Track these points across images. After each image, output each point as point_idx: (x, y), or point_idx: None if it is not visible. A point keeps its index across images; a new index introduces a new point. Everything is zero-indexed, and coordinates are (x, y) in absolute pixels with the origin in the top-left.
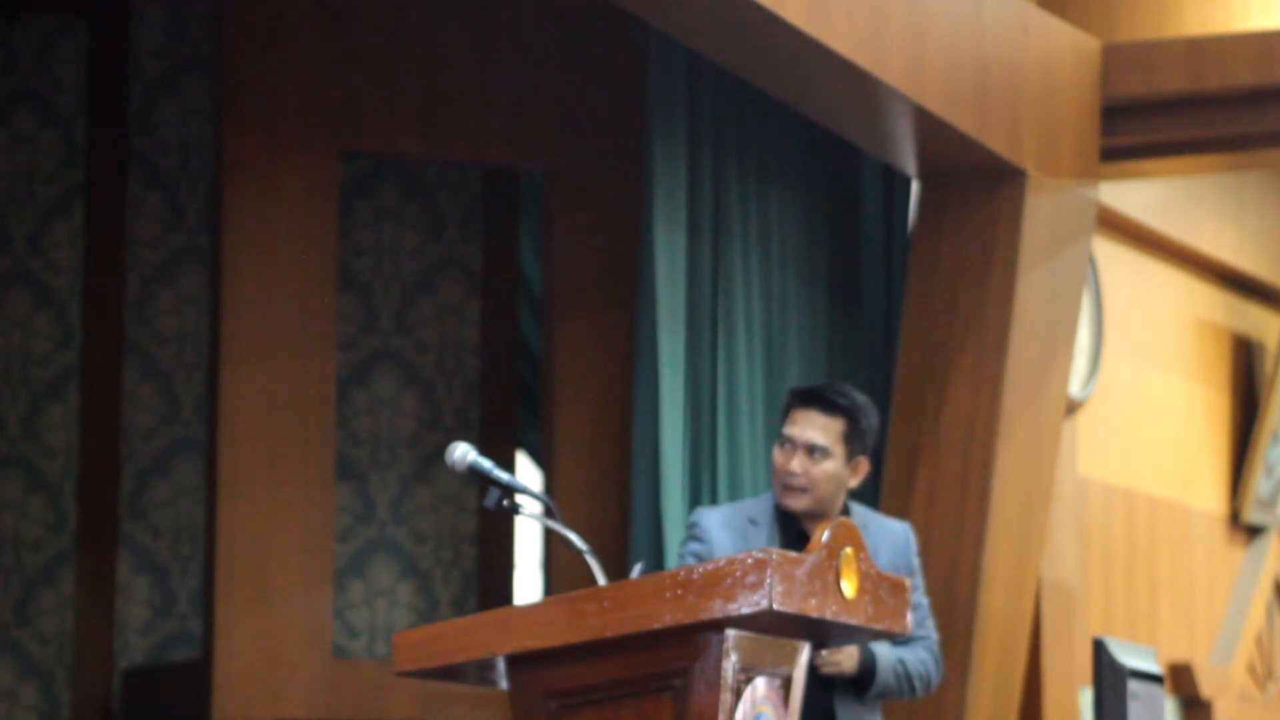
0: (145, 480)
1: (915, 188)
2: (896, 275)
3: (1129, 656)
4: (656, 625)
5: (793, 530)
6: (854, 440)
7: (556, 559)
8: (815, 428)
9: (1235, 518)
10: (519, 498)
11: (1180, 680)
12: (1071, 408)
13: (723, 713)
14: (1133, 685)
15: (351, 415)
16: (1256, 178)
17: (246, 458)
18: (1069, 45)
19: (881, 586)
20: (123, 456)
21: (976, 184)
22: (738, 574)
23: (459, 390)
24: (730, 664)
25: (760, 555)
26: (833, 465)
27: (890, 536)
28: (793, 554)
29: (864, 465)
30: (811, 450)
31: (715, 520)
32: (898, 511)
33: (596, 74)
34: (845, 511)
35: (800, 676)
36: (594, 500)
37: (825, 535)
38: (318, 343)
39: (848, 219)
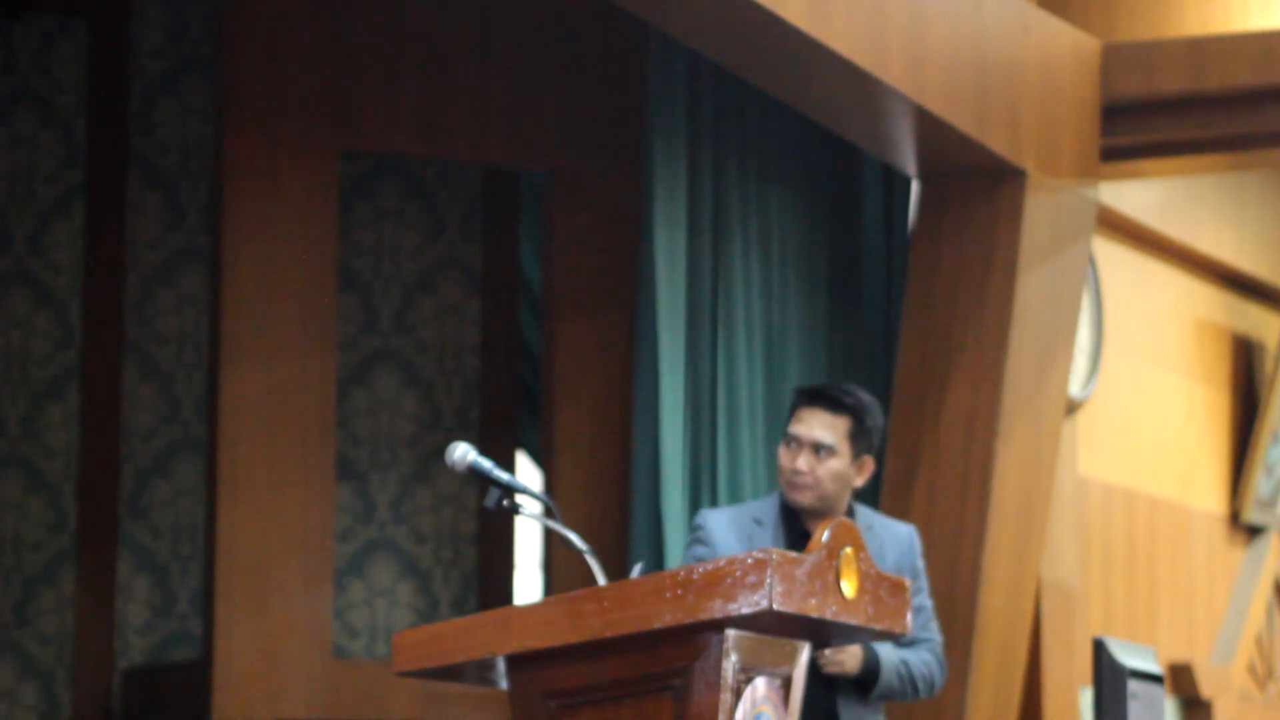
0: (145, 480)
1: (915, 188)
2: (896, 275)
3: (1129, 656)
4: (656, 625)
5: (797, 530)
6: (859, 439)
7: (556, 559)
8: (821, 426)
9: (1235, 518)
10: (519, 498)
11: (1180, 680)
12: (1071, 408)
13: (723, 713)
14: (1133, 685)
15: (351, 415)
16: (1256, 178)
17: (246, 458)
18: (1069, 45)
19: (881, 586)
20: (123, 456)
21: (976, 184)
22: (738, 574)
23: (459, 390)
24: (730, 664)
25: (760, 555)
26: (838, 464)
27: (895, 538)
28: (793, 554)
29: (869, 464)
30: (817, 448)
31: (719, 521)
32: (898, 512)
33: (596, 74)
34: (850, 513)
35: (800, 676)
36: (594, 500)
37: (825, 535)
38: (318, 343)
39: (848, 219)
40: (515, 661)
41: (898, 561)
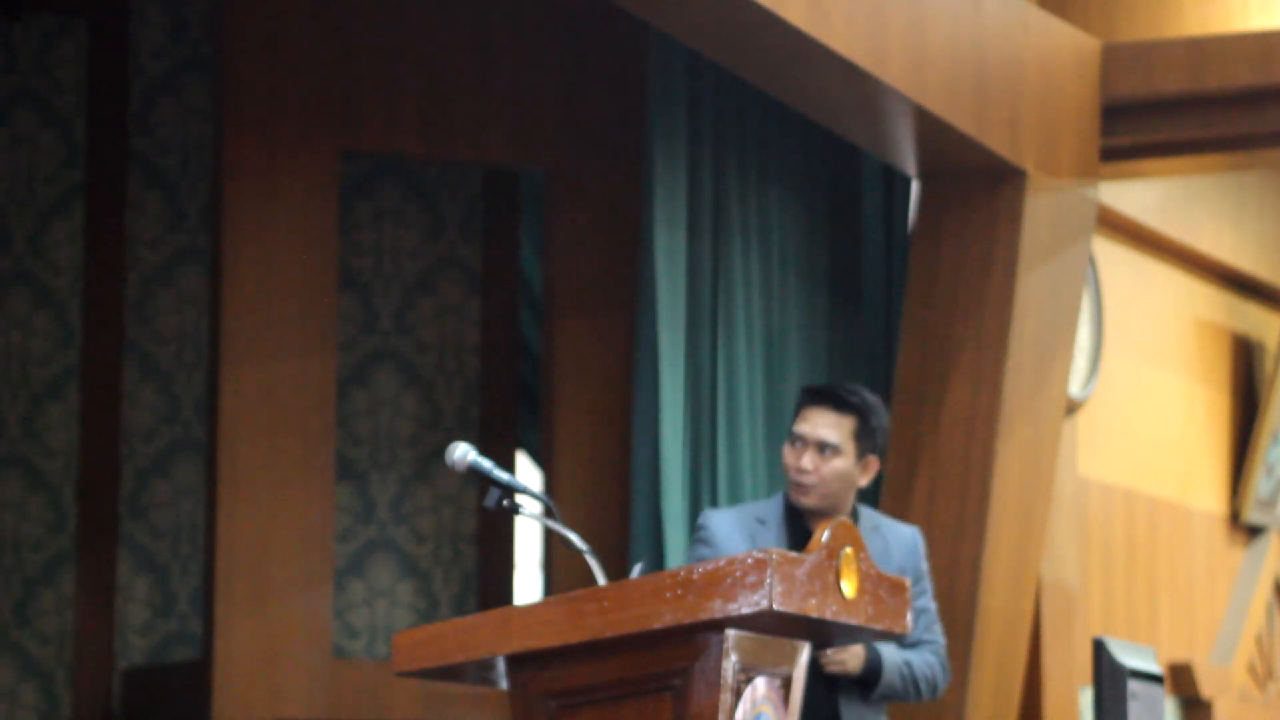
0: (145, 480)
1: (915, 188)
2: (896, 275)
3: (1129, 656)
4: (656, 625)
5: (801, 531)
6: (864, 439)
7: (556, 559)
8: (826, 425)
9: (1235, 518)
10: (519, 498)
11: (1180, 680)
12: (1071, 408)
13: (723, 713)
14: (1133, 685)
15: (351, 415)
16: (1256, 178)
17: (246, 458)
18: (1069, 45)
19: (881, 586)
20: (123, 456)
21: (976, 184)
22: (738, 574)
23: (459, 390)
24: (730, 664)
25: (760, 555)
26: (843, 463)
27: (900, 540)
28: (793, 554)
29: (874, 464)
30: (822, 447)
31: (723, 522)
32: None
33: (596, 74)
34: (855, 514)
35: (800, 676)
36: (594, 500)
37: (825, 535)
38: (318, 343)
39: (848, 219)
40: (515, 661)
41: (902, 563)
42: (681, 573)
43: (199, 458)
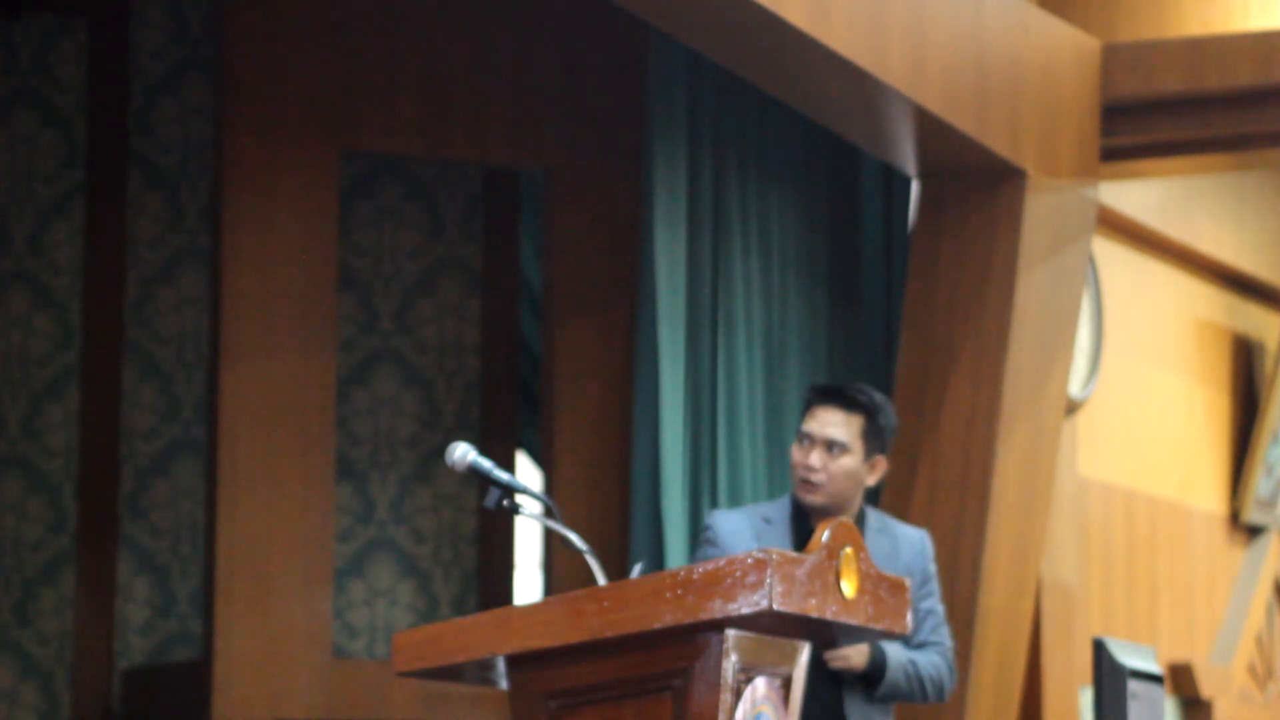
0: (145, 480)
1: (915, 188)
2: (896, 275)
3: (1129, 656)
4: (656, 625)
5: (806, 531)
6: (872, 438)
7: (556, 559)
8: (834, 424)
9: (1235, 518)
10: (519, 498)
11: (1180, 680)
12: (1071, 408)
13: (723, 713)
14: (1133, 685)
15: (351, 415)
16: (1256, 178)
17: (246, 458)
18: (1069, 45)
19: (881, 586)
20: (123, 456)
21: (976, 184)
22: (737, 574)
23: (459, 390)
24: (730, 664)
25: (760, 555)
26: (850, 462)
27: (908, 542)
28: (793, 554)
29: (881, 464)
30: (830, 446)
31: (729, 522)
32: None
33: (596, 74)
34: (862, 515)
35: (800, 676)
36: (594, 500)
37: (825, 535)
38: (318, 343)
39: (848, 219)
40: (515, 661)
41: (910, 565)
42: (681, 573)
43: (199, 458)
